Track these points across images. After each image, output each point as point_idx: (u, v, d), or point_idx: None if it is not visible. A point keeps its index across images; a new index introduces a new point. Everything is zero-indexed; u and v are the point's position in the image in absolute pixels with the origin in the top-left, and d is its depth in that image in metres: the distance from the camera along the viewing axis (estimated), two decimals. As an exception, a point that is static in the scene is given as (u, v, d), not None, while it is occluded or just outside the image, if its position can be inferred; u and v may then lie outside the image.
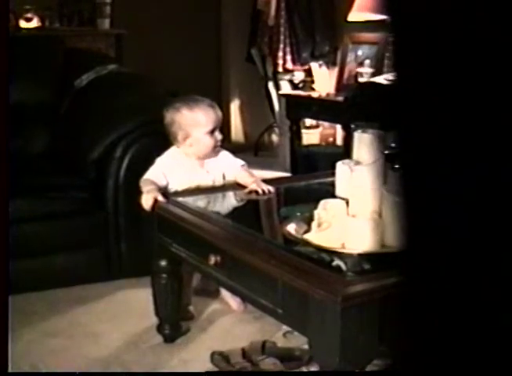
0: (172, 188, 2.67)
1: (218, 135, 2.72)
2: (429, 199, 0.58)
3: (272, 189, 2.64)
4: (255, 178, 2.68)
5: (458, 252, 0.57)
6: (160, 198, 2.52)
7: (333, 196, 2.29)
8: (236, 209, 2.65)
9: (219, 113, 2.75)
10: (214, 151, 2.73)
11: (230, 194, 2.70)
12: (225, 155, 2.78)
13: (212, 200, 2.63)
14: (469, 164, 0.55)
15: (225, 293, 2.87)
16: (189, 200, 2.58)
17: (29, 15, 5.06)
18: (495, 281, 0.56)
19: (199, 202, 2.59)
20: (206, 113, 2.68)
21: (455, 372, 0.59)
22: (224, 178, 2.75)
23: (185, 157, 2.71)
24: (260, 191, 2.61)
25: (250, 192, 2.63)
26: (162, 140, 3.13)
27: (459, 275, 0.57)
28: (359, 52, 4.53)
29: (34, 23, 5.09)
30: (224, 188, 2.71)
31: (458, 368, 0.59)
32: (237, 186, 2.70)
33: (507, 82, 0.53)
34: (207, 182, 2.71)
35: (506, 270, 0.55)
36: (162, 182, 2.64)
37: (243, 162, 2.79)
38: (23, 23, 5.05)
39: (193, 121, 2.66)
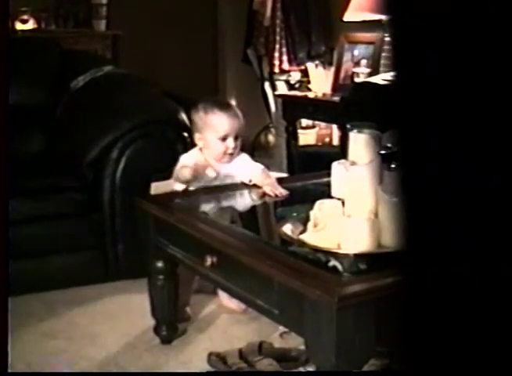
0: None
1: (231, 143, 2.72)
2: (427, 198, 0.58)
3: (284, 192, 2.64)
4: (270, 181, 2.67)
5: (457, 252, 0.57)
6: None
7: (329, 196, 2.29)
8: (233, 210, 2.65)
9: (238, 121, 2.75)
10: (226, 158, 2.74)
11: (229, 195, 2.70)
12: (243, 159, 2.79)
13: (210, 201, 2.64)
14: (468, 162, 0.55)
15: (223, 298, 2.87)
16: (185, 202, 2.59)
17: (25, 17, 5.05)
18: (494, 281, 0.56)
19: (196, 203, 2.60)
20: (220, 119, 2.71)
21: (455, 372, 0.60)
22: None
23: (202, 159, 2.73)
24: (272, 195, 2.62)
25: (264, 194, 2.64)
26: (158, 141, 3.16)
27: (458, 274, 0.57)
28: (355, 52, 4.53)
29: (30, 24, 5.08)
30: (223, 189, 2.72)
31: (458, 368, 0.59)
32: (238, 187, 2.71)
33: (507, 82, 0.53)
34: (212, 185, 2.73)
35: (506, 270, 0.55)
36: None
37: (262, 166, 2.79)
38: (18, 25, 5.04)
39: (206, 124, 2.71)
